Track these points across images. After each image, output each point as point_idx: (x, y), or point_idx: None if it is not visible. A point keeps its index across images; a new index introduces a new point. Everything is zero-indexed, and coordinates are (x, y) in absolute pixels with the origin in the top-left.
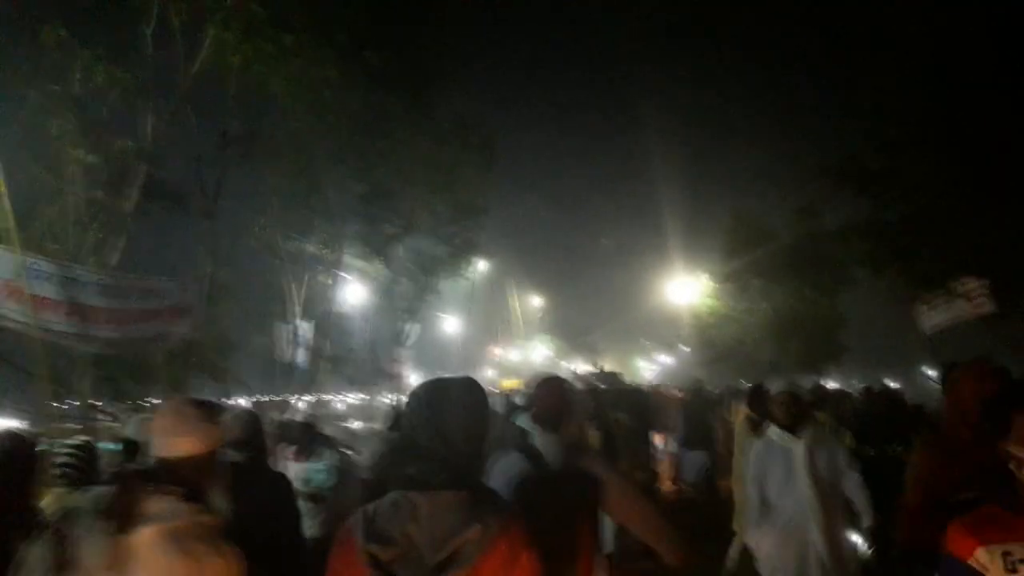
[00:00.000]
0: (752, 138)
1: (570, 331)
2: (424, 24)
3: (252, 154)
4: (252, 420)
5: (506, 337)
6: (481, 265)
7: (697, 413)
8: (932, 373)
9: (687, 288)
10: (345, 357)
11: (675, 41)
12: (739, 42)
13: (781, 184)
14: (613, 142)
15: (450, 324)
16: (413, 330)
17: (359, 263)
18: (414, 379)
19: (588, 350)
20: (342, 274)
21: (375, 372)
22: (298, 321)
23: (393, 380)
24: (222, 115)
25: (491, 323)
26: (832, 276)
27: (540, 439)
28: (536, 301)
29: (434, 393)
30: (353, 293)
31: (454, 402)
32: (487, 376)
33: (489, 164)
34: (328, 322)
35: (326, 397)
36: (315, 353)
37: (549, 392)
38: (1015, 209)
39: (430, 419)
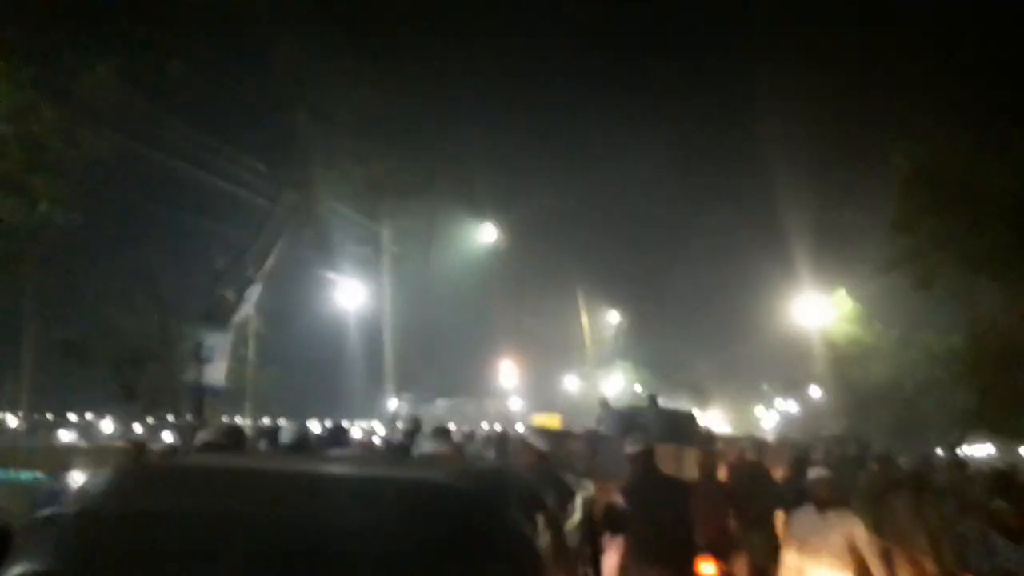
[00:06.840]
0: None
1: (661, 362)
2: None
3: None
4: None
5: (557, 356)
6: (487, 232)
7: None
8: None
9: (818, 308)
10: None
11: None
12: None
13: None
14: (711, 97)
15: (353, 298)
16: (250, 294)
17: None
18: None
19: (690, 389)
20: None
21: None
22: None
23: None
24: None
25: (505, 323)
26: None
27: None
28: (612, 318)
29: None
30: None
31: None
32: (487, 407)
33: None
34: None
35: None
36: None
37: None
38: None
39: None
